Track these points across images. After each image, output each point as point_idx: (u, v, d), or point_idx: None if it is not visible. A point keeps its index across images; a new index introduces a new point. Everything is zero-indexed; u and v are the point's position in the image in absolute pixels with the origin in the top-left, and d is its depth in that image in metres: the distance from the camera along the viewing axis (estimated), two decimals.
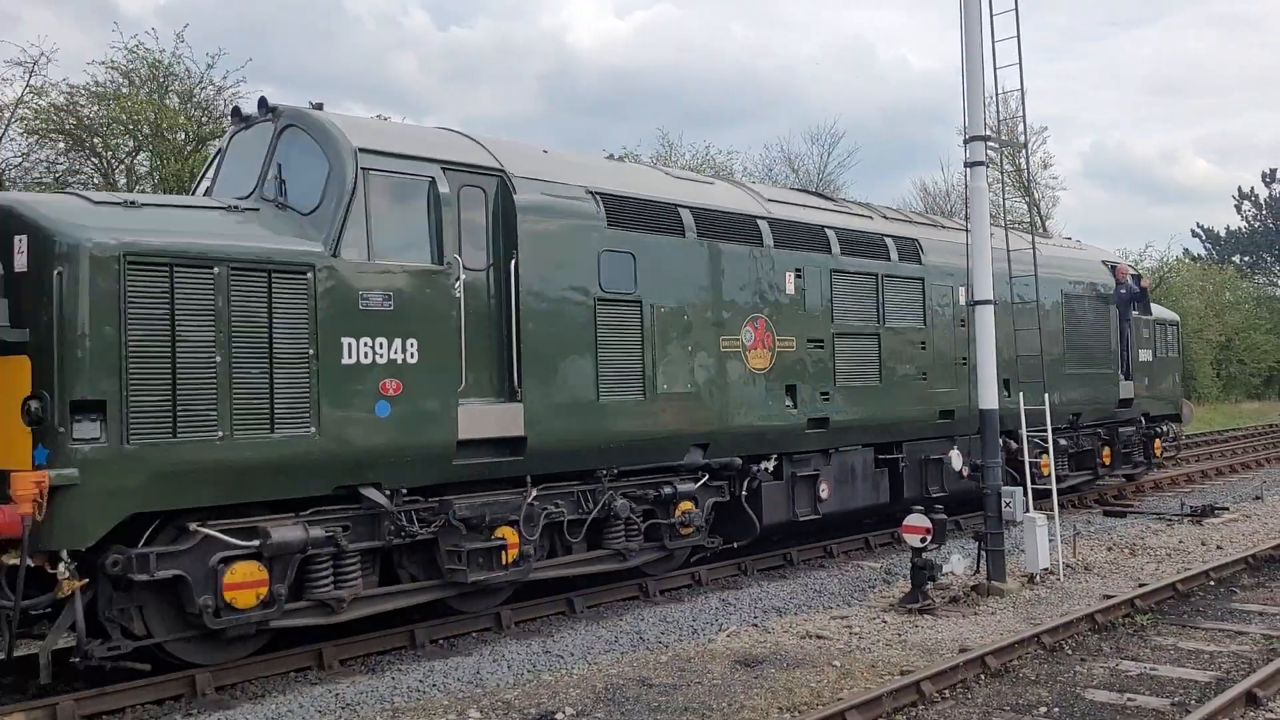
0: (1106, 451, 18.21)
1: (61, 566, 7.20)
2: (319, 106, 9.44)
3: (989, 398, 11.65)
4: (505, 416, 9.42)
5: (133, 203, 8.06)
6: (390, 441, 8.61)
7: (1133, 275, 19.28)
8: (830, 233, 13.01)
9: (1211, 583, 11.43)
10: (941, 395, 14.24)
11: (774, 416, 11.91)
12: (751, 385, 11.68)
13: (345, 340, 8.38)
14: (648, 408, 10.62)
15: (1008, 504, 11.43)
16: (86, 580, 7.39)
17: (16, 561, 7.10)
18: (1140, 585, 10.97)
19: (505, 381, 9.53)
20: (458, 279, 9.10)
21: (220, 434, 7.76)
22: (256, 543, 7.99)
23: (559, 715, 7.50)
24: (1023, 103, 12.48)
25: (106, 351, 7.33)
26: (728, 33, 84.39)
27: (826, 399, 12.57)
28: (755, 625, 10.18)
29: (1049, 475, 14.47)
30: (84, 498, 7.21)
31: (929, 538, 10.78)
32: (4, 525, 6.96)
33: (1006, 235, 12.68)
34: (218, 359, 7.79)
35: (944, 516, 11.16)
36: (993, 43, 11.71)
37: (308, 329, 8.21)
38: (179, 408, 7.59)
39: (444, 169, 9.31)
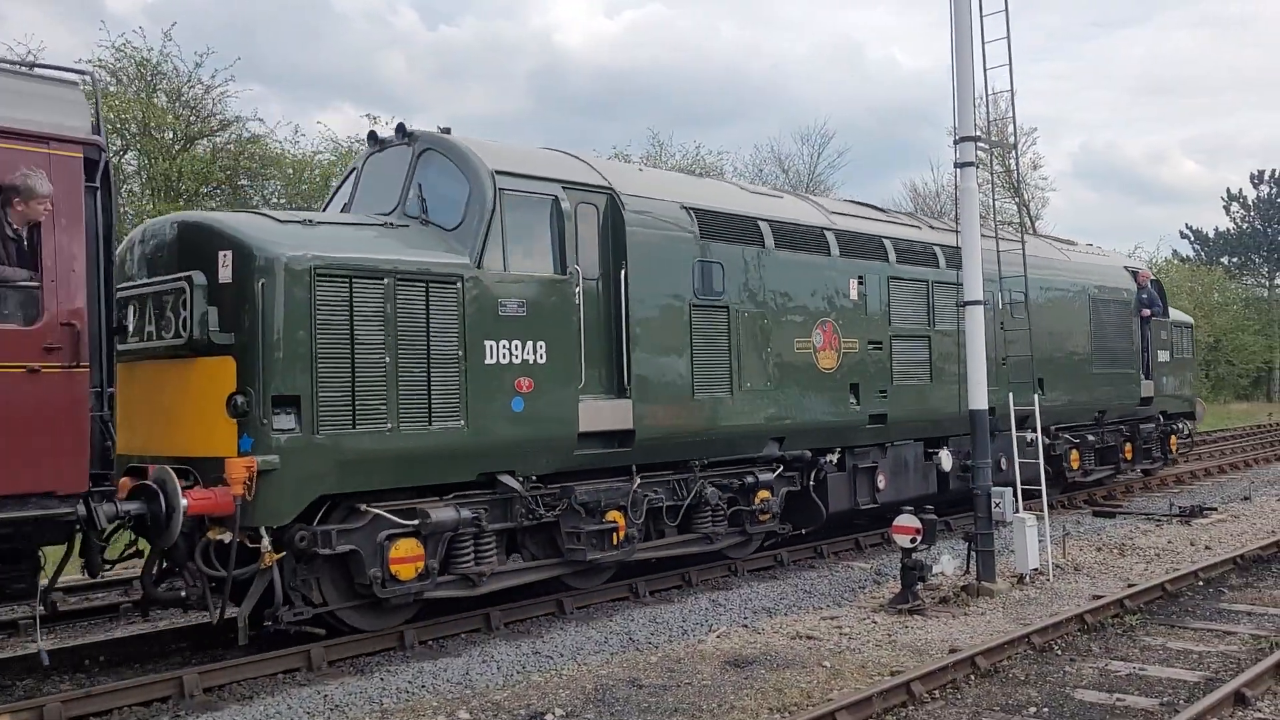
0: (1128, 447, 19.20)
1: (265, 541, 8.16)
2: (446, 131, 10.38)
3: (979, 398, 11.67)
4: (617, 411, 10.43)
5: (310, 221, 9.10)
6: (523, 434, 9.66)
7: (1152, 280, 20.40)
8: (887, 242, 13.99)
9: (1200, 583, 11.46)
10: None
11: (840, 413, 12.90)
12: (820, 384, 12.65)
13: (487, 343, 9.42)
14: (734, 404, 11.58)
15: (997, 504, 11.44)
16: (284, 553, 8.36)
17: (223, 537, 8.05)
18: (1129, 585, 10.99)
19: (615, 379, 10.51)
20: (578, 287, 10.15)
21: (389, 426, 8.80)
22: (416, 522, 8.97)
23: (549, 716, 7.48)
24: (1012, 104, 12.56)
25: (300, 353, 8.35)
26: (717, 32, 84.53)
27: (884, 396, 13.52)
28: (745, 626, 10.17)
29: (1079, 469, 16.99)
30: (282, 481, 8.21)
31: (919, 538, 10.79)
32: (219, 505, 7.93)
33: (997, 236, 12.72)
34: (387, 360, 8.83)
35: (934, 517, 11.18)
36: (983, 44, 11.74)
37: (457, 333, 9.24)
38: (357, 402, 8.63)
39: (564, 188, 10.34)
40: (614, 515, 10.40)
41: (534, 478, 9.84)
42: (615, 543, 10.44)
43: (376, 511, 8.78)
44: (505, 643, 9.55)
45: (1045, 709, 7.44)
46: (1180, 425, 21.19)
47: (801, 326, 12.41)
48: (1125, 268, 20.17)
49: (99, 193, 7.43)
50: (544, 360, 9.79)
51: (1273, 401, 54.14)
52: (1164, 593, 10.81)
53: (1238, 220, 67.68)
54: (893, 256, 13.91)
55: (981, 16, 11.68)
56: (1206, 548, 13.71)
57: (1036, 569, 11.76)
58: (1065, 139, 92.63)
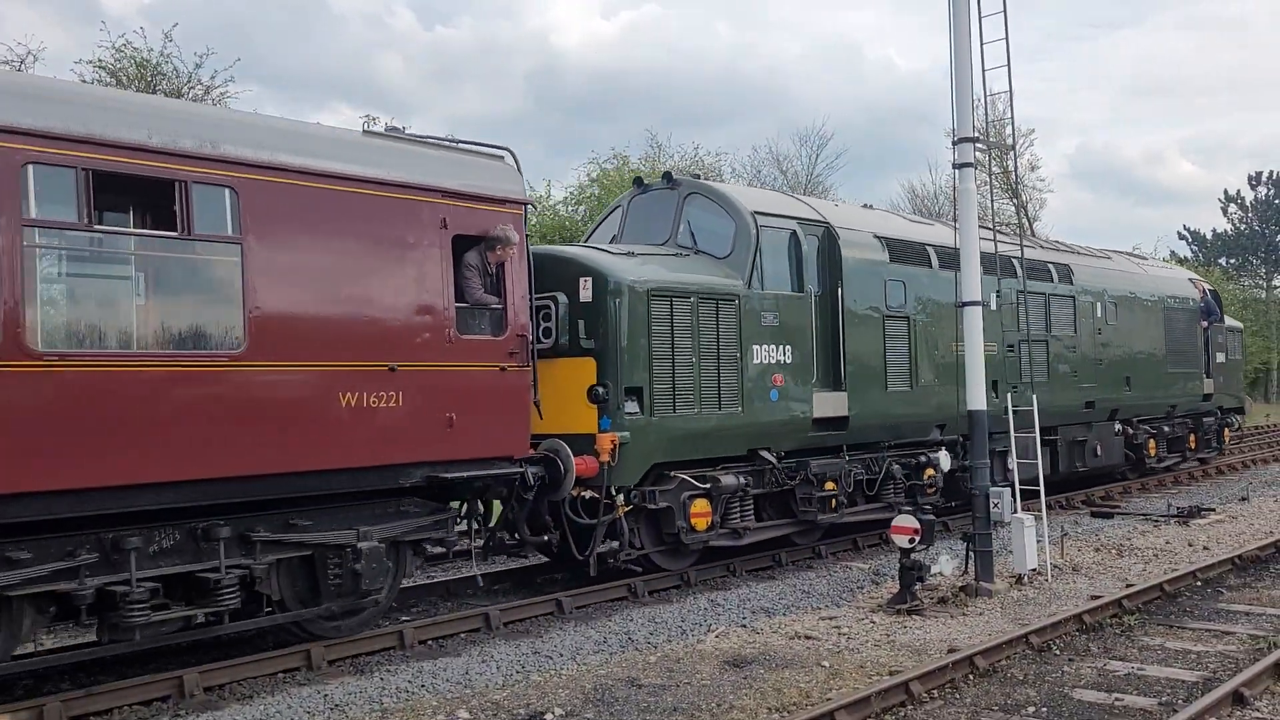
0: (1192, 438, 21.88)
1: (621, 498, 10.89)
2: (697, 177, 13.92)
3: (977, 398, 11.70)
4: (836, 401, 12.96)
5: (632, 253, 11.66)
6: (778, 418, 12.29)
7: (1210, 290, 23.13)
8: (1015, 262, 15.98)
9: (1198, 583, 11.48)
10: (1087, 389, 17.94)
11: (987, 403, 14.02)
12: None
13: (754, 346, 12.03)
14: (913, 396, 14.09)
15: (995, 505, 11.46)
16: (631, 507, 10.99)
17: (588, 494, 10.69)
18: (1128, 586, 11.01)
19: (834, 375, 13.01)
20: (810, 302, 12.74)
21: (696, 410, 11.48)
22: (708, 485, 11.48)
23: (548, 716, 7.49)
24: (1010, 105, 12.55)
25: (640, 354, 11.02)
26: (714, 33, 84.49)
27: (1015, 391, 15.26)
28: (744, 626, 10.19)
29: (1155, 456, 19.67)
30: (631, 452, 10.85)
31: (917, 538, 10.81)
32: (588, 469, 10.49)
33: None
34: (694, 359, 11.49)
35: (932, 517, 11.20)
36: (981, 45, 11.75)
37: (736, 339, 11.84)
38: (677, 392, 11.27)
39: (798, 223, 12.95)
40: (830, 485, 12.79)
41: (782, 454, 12.33)
42: (832, 508, 12.76)
43: (683, 476, 11.37)
44: (505, 642, 9.57)
45: (1044, 709, 7.45)
46: (1232, 419, 24.16)
47: (956, 332, 14.06)
48: (1189, 279, 23.10)
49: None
50: (789, 360, 12.42)
51: (1270, 403, 54.20)
52: (1162, 593, 10.83)
53: (1235, 222, 67.68)
54: (1020, 273, 15.97)
55: (980, 18, 11.70)
56: (1204, 548, 13.73)
57: (1035, 569, 11.78)
58: (1062, 140, 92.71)
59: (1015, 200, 42.71)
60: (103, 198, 7.71)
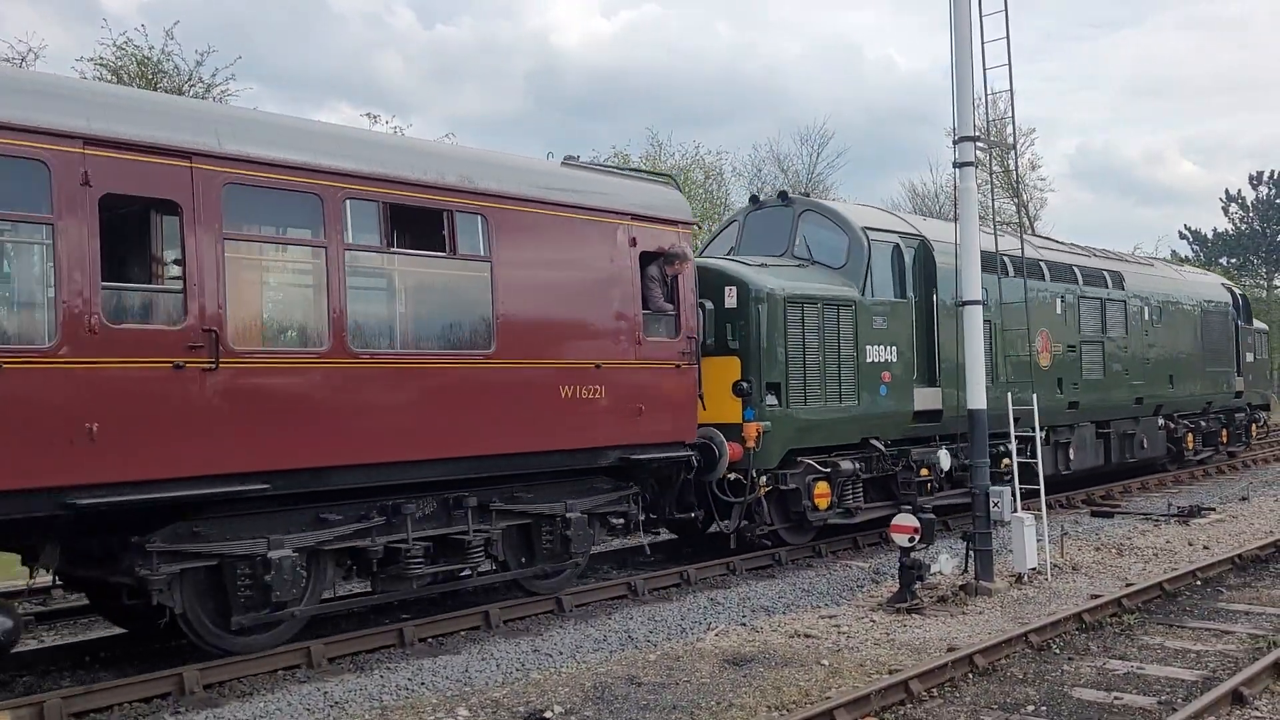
0: (1224, 432, 23.57)
1: (763, 479, 12.18)
2: (805, 194, 16.07)
3: (977, 397, 11.70)
4: (933, 396, 14.46)
5: (764, 265, 13.18)
6: (886, 410, 13.76)
7: (1240, 294, 24.90)
8: (1076, 269, 18.28)
9: (1198, 582, 11.48)
10: (1136, 386, 19.64)
11: (1052, 399, 16.65)
12: (1040, 377, 16.48)
13: (867, 347, 13.42)
14: (994, 392, 14.50)
15: (995, 504, 11.46)
16: (771, 486, 12.38)
17: (733, 476, 12.09)
18: (1127, 585, 11.02)
19: (929, 373, 14.47)
20: (911, 307, 14.22)
21: (822, 403, 12.94)
22: (829, 470, 12.90)
23: (548, 714, 7.49)
24: (1011, 104, 12.56)
25: (778, 353, 12.55)
26: (714, 33, 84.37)
27: (1076, 387, 17.56)
28: (744, 624, 10.19)
29: (1193, 449, 21.56)
30: (771, 440, 12.31)
31: (917, 537, 10.81)
32: (735, 454, 11.95)
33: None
34: (820, 358, 12.93)
35: (932, 516, 11.22)
36: (982, 44, 11.75)
37: (852, 340, 13.23)
38: (806, 387, 12.76)
39: (900, 237, 14.44)
40: (924, 471, 14.17)
41: (888, 442, 13.69)
42: (927, 491, 14.07)
43: (808, 461, 12.80)
44: (505, 640, 9.57)
45: (1043, 707, 7.46)
46: (1260, 415, 26.04)
47: (1032, 333, 15.97)
48: (1221, 284, 25.08)
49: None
50: (895, 359, 13.90)
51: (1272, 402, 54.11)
52: (1162, 592, 10.84)
53: (1236, 221, 67.63)
54: (1080, 280, 18.04)
55: (981, 17, 11.70)
56: (1204, 548, 13.73)
57: (1035, 568, 11.78)
58: (1062, 140, 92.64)
59: (1016, 200, 42.69)
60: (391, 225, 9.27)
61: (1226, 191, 68.86)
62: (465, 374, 9.49)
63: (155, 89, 22.51)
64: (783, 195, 14.95)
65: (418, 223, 9.59)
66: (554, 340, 10.23)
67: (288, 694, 8.05)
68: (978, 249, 11.85)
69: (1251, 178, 68.33)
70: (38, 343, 7.30)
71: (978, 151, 12.38)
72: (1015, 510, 11.71)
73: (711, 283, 12.47)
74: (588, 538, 10.80)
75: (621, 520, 11.45)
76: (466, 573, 10.09)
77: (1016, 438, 14.58)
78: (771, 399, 12.45)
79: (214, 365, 7.92)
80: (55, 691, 7.82)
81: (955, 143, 11.98)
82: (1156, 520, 16.13)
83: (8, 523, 7.30)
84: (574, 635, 9.74)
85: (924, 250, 14.71)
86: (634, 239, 10.94)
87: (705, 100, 71.06)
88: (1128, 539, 14.47)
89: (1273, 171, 67.24)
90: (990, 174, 14.51)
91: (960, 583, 11.31)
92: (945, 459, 14.30)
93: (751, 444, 12.02)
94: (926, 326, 14.51)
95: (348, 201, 8.80)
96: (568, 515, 10.56)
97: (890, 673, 8.10)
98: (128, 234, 8.32)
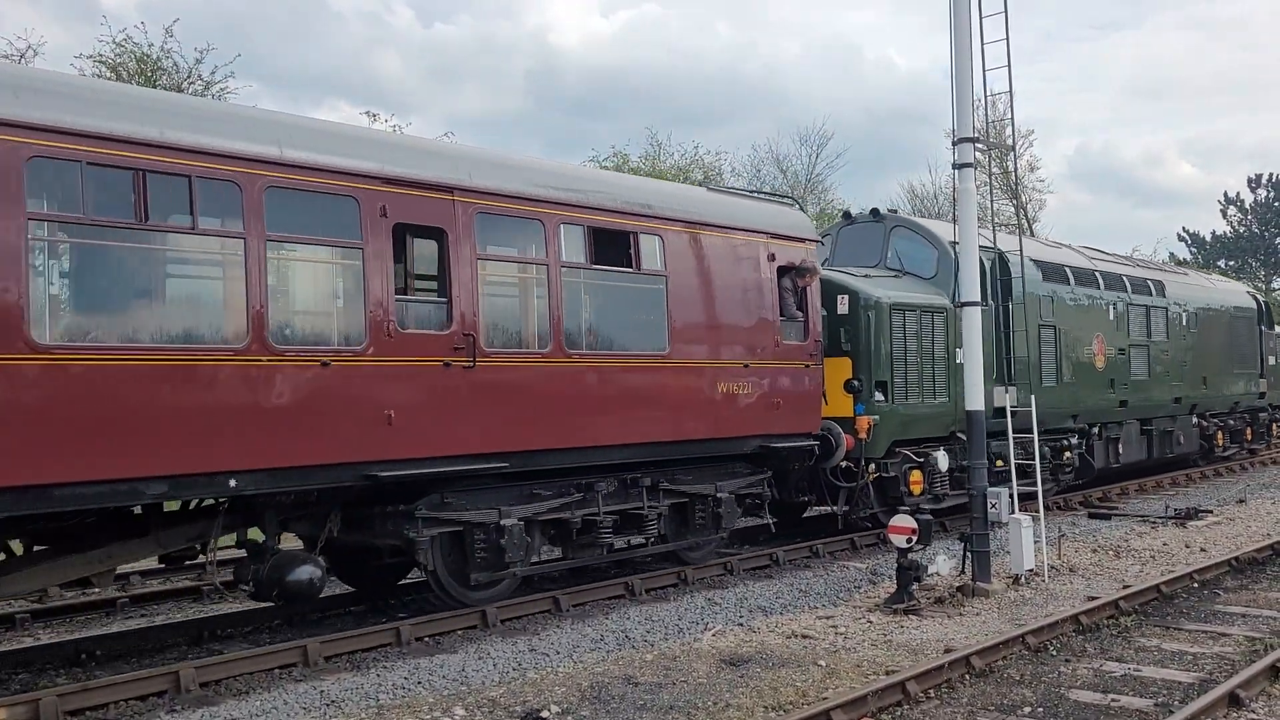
0: (1249, 430, 25.20)
1: (872, 466, 13.69)
2: (893, 210, 17.18)
3: (976, 399, 11.70)
4: (1006, 395, 14.86)
5: (868, 275, 14.73)
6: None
7: (1264, 301, 26.57)
8: (1125, 279, 19.88)
9: (1195, 585, 11.48)
10: (1176, 387, 21.09)
11: (1105, 398, 18.57)
12: (1096, 378, 18.33)
13: (955, 349, 14.36)
14: (1058, 391, 17.05)
15: (993, 505, 11.46)
16: (879, 474, 13.86)
17: (845, 464, 13.62)
18: (1125, 587, 11.02)
19: (1002, 373, 15.78)
20: (990, 313, 15.09)
21: (921, 399, 14.42)
22: (923, 460, 14.53)
23: (545, 713, 7.49)
24: (1011, 105, 12.59)
25: (884, 355, 14.07)
26: (713, 32, 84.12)
27: (1125, 387, 19.22)
28: (741, 625, 10.19)
29: (1222, 446, 23.28)
30: (879, 432, 13.84)
31: (914, 538, 10.81)
32: (850, 444, 13.46)
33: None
34: (919, 359, 14.39)
35: (929, 517, 11.22)
36: (982, 45, 11.75)
37: (944, 343, 14.70)
38: (908, 385, 14.29)
39: (981, 250, 14.58)
40: (999, 463, 14.80)
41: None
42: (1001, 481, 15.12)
43: (905, 452, 14.33)
44: (501, 640, 9.56)
45: (1040, 709, 7.46)
46: None
47: (1088, 339, 18.08)
48: (1246, 292, 27.04)
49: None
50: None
51: None
52: (1159, 594, 10.84)
53: (1235, 224, 67.62)
54: (1129, 288, 19.61)
55: (981, 18, 11.70)
56: (1201, 550, 13.73)
57: (1032, 570, 11.77)
58: (1061, 141, 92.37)
59: (1015, 201, 42.70)
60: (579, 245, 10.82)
61: (1225, 194, 68.78)
62: (646, 372, 11.19)
63: (154, 87, 22.49)
64: (874, 212, 16.44)
65: (610, 244, 11.09)
66: (713, 343, 11.83)
67: (284, 692, 8.04)
68: (975, 248, 11.89)
69: (1250, 180, 68.27)
70: (354, 344, 8.95)
71: (977, 153, 12.39)
72: (1013, 512, 11.70)
73: (826, 291, 13.82)
74: (734, 514, 12.39)
75: (757, 500, 12.94)
76: (641, 541, 11.67)
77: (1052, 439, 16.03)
78: (879, 396, 14.00)
79: (471, 364, 9.57)
80: (51, 689, 7.82)
81: (954, 144, 11.98)
82: (1154, 522, 16.13)
83: (301, 493, 8.89)
84: (571, 635, 9.73)
85: (1000, 262, 16.09)
86: (772, 254, 12.52)
87: (704, 100, 70.98)
88: (1125, 541, 14.47)
89: (1271, 174, 67.22)
90: (990, 175, 14.61)
91: (957, 584, 11.31)
92: (943, 460, 14.33)
93: (863, 435, 13.65)
94: (1000, 332, 16.02)
95: (562, 226, 10.54)
96: (718, 495, 12.10)
97: (887, 674, 8.10)
98: (407, 256, 10.16)
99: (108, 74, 23.40)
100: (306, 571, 9.00)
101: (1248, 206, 67.48)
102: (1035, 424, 12.62)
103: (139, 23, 44.28)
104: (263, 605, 10.17)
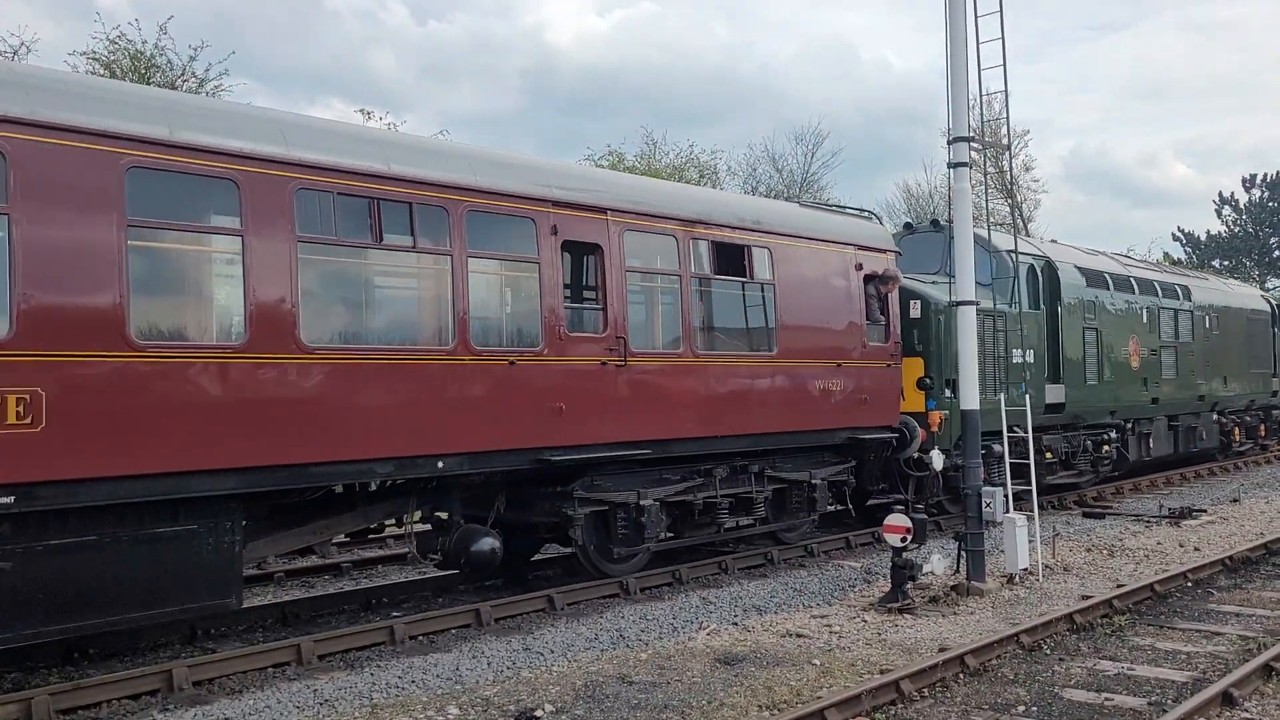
0: (1262, 427, 26.59)
1: (942, 457, 13.78)
2: (934, 222, 17.98)
3: (970, 398, 11.71)
4: (1057, 392, 17.36)
5: (935, 281, 15.83)
6: (1025, 402, 15.34)
7: (1277, 304, 27.99)
8: (1155, 284, 21.46)
9: (1189, 584, 11.50)
10: (1199, 385, 22.62)
11: (1139, 395, 20.07)
12: (1131, 377, 19.78)
13: (1013, 349, 15.19)
14: (1099, 388, 18.68)
15: (988, 505, 11.46)
16: (946, 465, 14.15)
17: (918, 455, 14.50)
18: (1118, 586, 11.03)
19: (1054, 371, 17.39)
20: (1042, 316, 17.31)
21: (983, 396, 13.35)
22: (984, 451, 13.75)
23: (539, 712, 7.48)
24: (1006, 105, 12.54)
25: (953, 355, 13.82)
26: (709, 31, 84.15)
27: (1156, 386, 20.64)
28: (735, 624, 10.18)
29: (1238, 441, 24.77)
30: (948, 426, 14.76)
31: (909, 537, 10.81)
32: (923, 437, 14.40)
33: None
34: (981, 359, 13.78)
35: (924, 516, 11.22)
36: (978, 45, 11.75)
37: (1003, 344, 14.93)
38: (971, 380, 12.56)
39: (1033, 258, 17.37)
40: (1049, 453, 16.99)
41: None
42: (1052, 470, 17.26)
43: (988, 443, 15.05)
44: (495, 639, 9.55)
45: (1034, 708, 7.46)
46: None
47: (1125, 340, 19.58)
48: (1261, 295, 28.83)
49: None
50: (1032, 360, 16.28)
51: None
52: (1153, 593, 10.85)
53: (1229, 224, 67.74)
54: (1160, 292, 21.12)
55: (976, 18, 11.70)
56: (1195, 549, 13.75)
57: (1026, 569, 11.79)
58: (1056, 142, 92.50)
59: (1010, 201, 42.69)
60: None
61: (1220, 194, 68.96)
62: (757, 370, 12.39)
63: (148, 83, 22.43)
64: (934, 223, 17.75)
65: (729, 256, 12.35)
66: (812, 344, 12.97)
67: (277, 691, 8.02)
68: (970, 247, 11.90)
69: (1245, 180, 68.44)
70: (533, 346, 10.25)
71: (972, 152, 12.39)
72: (1007, 511, 11.71)
73: (899, 297, 14.90)
74: (825, 499, 13.69)
75: (842, 487, 14.14)
76: (749, 522, 12.97)
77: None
78: (948, 392, 14.92)
79: (623, 363, 10.92)
80: (43, 688, 7.79)
81: (950, 143, 11.97)
82: (1148, 521, 16.17)
83: (488, 474, 10.21)
84: (565, 634, 9.72)
85: (1050, 269, 17.66)
86: (859, 264, 13.70)
87: (700, 99, 70.99)
88: (1119, 540, 14.49)
89: (1266, 174, 67.37)
90: (985, 175, 14.69)
91: (952, 583, 11.32)
92: (938, 460, 14.32)
93: (935, 429, 14.80)
94: (1052, 332, 17.45)
95: (691, 241, 11.86)
96: (813, 480, 13.35)
97: (881, 673, 8.10)
98: (570, 268, 11.42)
99: (101, 71, 23.32)
100: (488, 543, 10.26)
101: (1242, 206, 67.60)
102: (1029, 424, 12.60)
103: (133, 20, 44.10)
104: (254, 605, 10.17)
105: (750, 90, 74.28)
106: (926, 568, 11.47)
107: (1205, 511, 16.87)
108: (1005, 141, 14.02)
